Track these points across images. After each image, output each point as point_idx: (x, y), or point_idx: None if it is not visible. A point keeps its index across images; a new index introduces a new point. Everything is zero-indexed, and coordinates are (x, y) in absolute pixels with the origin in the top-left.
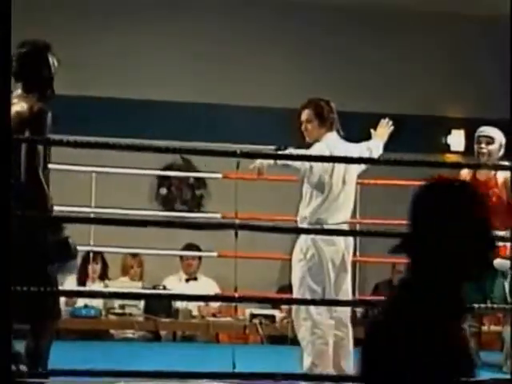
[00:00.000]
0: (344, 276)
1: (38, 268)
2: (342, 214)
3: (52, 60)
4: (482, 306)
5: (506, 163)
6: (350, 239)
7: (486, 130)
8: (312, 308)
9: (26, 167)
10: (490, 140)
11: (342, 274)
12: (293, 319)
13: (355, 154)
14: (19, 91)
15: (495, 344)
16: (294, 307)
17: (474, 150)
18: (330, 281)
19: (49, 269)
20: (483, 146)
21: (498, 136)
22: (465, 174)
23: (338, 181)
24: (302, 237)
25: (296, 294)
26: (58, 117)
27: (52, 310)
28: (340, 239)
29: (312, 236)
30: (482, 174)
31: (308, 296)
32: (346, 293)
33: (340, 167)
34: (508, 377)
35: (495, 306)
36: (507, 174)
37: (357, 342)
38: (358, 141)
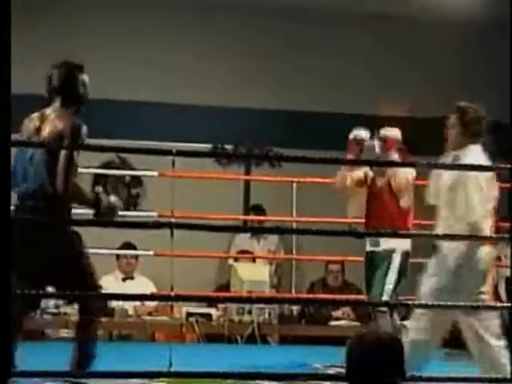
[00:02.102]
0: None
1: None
2: None
3: (86, 79)
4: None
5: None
6: None
7: (359, 134)
8: None
9: (64, 176)
10: (361, 142)
11: None
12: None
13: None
14: (57, 105)
15: None
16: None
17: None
18: None
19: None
20: None
21: (367, 138)
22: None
23: None
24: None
25: None
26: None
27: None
28: None
29: None
30: (380, 179)
31: None
32: None
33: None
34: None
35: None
36: (405, 177)
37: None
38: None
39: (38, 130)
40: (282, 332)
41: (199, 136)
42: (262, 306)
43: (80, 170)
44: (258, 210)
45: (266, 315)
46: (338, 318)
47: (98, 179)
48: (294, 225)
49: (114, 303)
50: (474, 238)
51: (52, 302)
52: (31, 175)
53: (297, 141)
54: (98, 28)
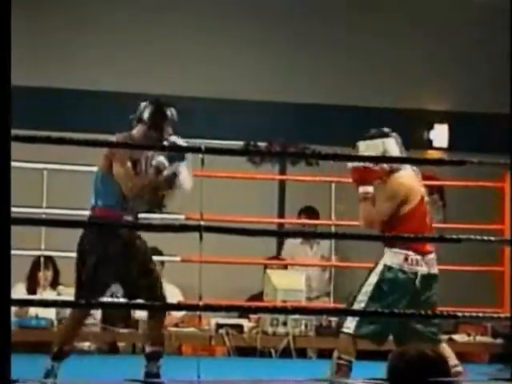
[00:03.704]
0: None
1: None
2: None
3: (170, 112)
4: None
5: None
6: None
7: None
8: None
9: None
10: None
11: None
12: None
13: None
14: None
15: (482, 356)
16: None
17: None
18: None
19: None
20: None
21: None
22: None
23: None
24: None
25: None
26: None
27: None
28: None
29: None
30: None
31: None
32: None
33: None
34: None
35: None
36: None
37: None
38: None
39: None
40: (319, 345)
41: (230, 133)
42: (297, 316)
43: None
44: (310, 212)
45: (303, 327)
46: None
47: None
48: (333, 228)
49: (137, 313)
50: (474, 239)
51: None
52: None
53: (336, 137)
54: (115, 23)
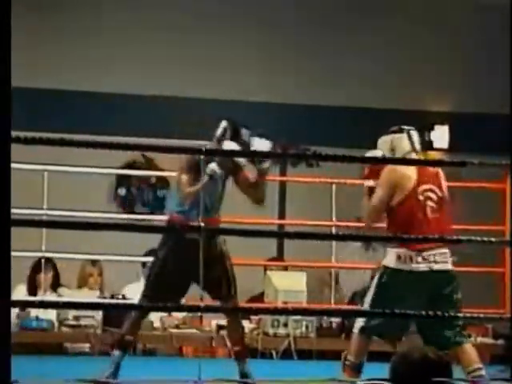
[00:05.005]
0: None
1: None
2: None
3: (243, 133)
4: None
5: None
6: None
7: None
8: None
9: None
10: None
11: None
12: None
13: None
14: None
15: (483, 357)
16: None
17: None
18: None
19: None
20: None
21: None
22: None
23: None
24: None
25: None
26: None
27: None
28: None
29: None
30: None
31: None
32: None
33: None
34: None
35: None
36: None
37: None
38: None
39: None
40: (320, 346)
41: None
42: (298, 318)
43: (100, 170)
44: None
45: (304, 328)
46: None
47: (121, 181)
48: (334, 230)
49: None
50: (475, 240)
51: (71, 314)
52: None
53: (336, 138)
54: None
